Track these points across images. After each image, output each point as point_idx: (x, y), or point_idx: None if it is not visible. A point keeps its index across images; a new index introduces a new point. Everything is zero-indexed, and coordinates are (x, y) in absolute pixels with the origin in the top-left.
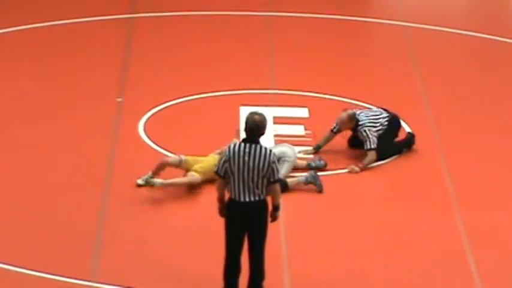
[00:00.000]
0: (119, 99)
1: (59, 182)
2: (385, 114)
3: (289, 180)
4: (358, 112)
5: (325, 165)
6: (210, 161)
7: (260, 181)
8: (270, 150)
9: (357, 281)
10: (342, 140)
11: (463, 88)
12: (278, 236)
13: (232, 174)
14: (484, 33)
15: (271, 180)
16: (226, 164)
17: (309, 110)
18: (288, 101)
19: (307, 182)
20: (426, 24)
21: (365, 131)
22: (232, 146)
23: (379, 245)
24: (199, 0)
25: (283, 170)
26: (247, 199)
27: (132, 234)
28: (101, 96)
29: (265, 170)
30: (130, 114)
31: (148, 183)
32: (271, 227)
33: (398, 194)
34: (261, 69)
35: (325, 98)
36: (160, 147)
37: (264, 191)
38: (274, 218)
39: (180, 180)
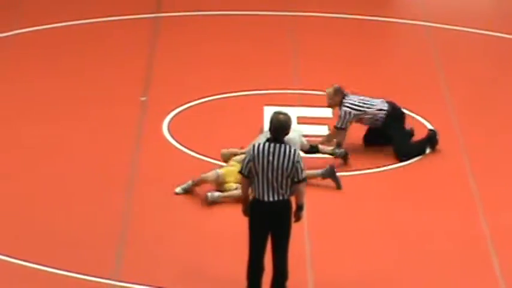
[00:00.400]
0: (143, 99)
1: (82, 181)
2: (380, 107)
3: (321, 147)
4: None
5: (346, 153)
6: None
7: (284, 181)
8: (295, 150)
9: (380, 280)
10: (358, 139)
11: (486, 88)
12: (302, 235)
13: (257, 173)
14: (507, 33)
15: (296, 180)
16: (251, 164)
17: (332, 110)
18: (312, 101)
19: (323, 176)
20: (449, 24)
21: (344, 110)
22: (256, 145)
23: (402, 245)
24: (223, 0)
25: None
26: (271, 199)
27: (155, 233)
28: (125, 95)
29: (289, 170)
30: (155, 113)
31: (212, 199)
32: (294, 227)
33: (421, 194)
34: (284, 69)
35: None
36: (184, 146)
37: (288, 190)
38: (298, 218)
39: (235, 192)
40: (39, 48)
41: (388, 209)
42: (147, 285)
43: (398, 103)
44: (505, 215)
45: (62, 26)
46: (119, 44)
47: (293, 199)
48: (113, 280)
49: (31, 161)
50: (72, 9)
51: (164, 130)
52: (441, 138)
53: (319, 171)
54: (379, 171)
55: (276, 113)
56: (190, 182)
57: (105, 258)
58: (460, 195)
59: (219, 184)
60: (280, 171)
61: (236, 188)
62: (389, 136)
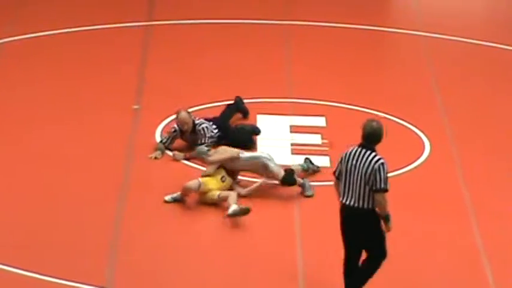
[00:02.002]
0: (135, 107)
1: (75, 189)
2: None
3: (293, 167)
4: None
5: (317, 167)
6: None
7: (363, 187)
8: (379, 159)
9: None
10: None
11: (481, 98)
12: (294, 243)
13: (341, 175)
14: (503, 44)
15: (374, 188)
16: (340, 165)
17: (326, 119)
18: (305, 110)
19: (302, 185)
20: (445, 34)
21: (203, 128)
22: (350, 149)
23: (393, 254)
24: (217, 9)
25: (275, 169)
26: (351, 203)
27: (146, 241)
28: (118, 103)
29: (367, 177)
30: (147, 121)
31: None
32: (286, 234)
33: (414, 203)
34: (278, 77)
35: (342, 107)
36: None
37: (366, 199)
38: (387, 229)
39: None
40: (31, 56)
41: None
42: None
43: (392, 112)
44: (498, 224)
45: (53, 34)
46: (112, 52)
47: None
48: None
49: (22, 167)
50: (63, 17)
51: (157, 138)
52: (435, 148)
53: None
54: None
55: (369, 121)
56: (179, 193)
57: (96, 265)
58: (453, 204)
59: (202, 193)
60: (359, 177)
61: (219, 195)
62: None
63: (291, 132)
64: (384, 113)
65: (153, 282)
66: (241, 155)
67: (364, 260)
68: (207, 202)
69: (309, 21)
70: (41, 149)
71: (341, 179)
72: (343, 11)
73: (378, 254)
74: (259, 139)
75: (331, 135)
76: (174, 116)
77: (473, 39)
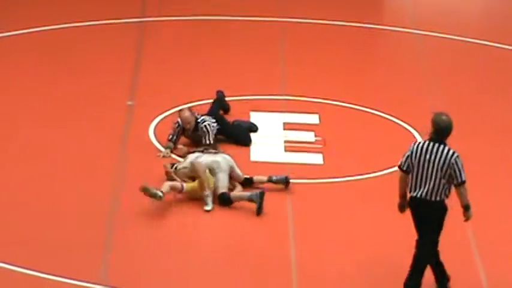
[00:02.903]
0: (129, 103)
1: (68, 185)
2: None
3: (232, 194)
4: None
5: (287, 179)
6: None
7: (438, 181)
8: (453, 152)
9: (365, 285)
10: (350, 147)
11: (475, 97)
12: (287, 240)
13: (412, 169)
14: (497, 42)
15: (455, 182)
16: (409, 159)
17: (319, 116)
18: (299, 107)
19: (250, 199)
20: (439, 33)
21: (206, 126)
22: (418, 142)
23: (385, 252)
24: (211, 6)
25: (220, 183)
26: (423, 196)
27: (140, 238)
28: (112, 99)
29: (444, 171)
30: (141, 118)
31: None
32: (279, 234)
33: None
34: (272, 75)
35: (335, 105)
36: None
37: (440, 192)
38: (467, 218)
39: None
40: (25, 52)
41: (373, 216)
42: None
43: (385, 110)
44: (490, 222)
45: (47, 30)
46: (106, 49)
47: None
48: (99, 284)
49: (16, 163)
50: (55, 13)
51: (150, 134)
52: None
53: (246, 194)
54: (366, 178)
55: (438, 114)
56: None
57: (90, 262)
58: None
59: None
60: (435, 171)
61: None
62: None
63: (284, 129)
64: (377, 110)
65: (148, 279)
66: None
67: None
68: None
69: (303, 18)
70: (34, 145)
71: (411, 173)
72: (338, 8)
73: (430, 240)
74: (253, 136)
75: (325, 133)
76: (168, 112)
77: (467, 37)
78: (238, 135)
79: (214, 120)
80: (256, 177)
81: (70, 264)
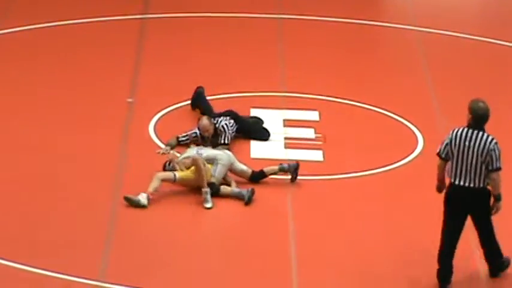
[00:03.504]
0: (129, 100)
1: (68, 182)
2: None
3: (223, 187)
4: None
5: (298, 164)
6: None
7: (478, 167)
8: (492, 138)
9: (366, 281)
10: (350, 143)
11: (474, 93)
12: (287, 237)
13: (453, 157)
14: (495, 39)
15: (490, 168)
16: (448, 147)
17: (319, 113)
18: (299, 104)
19: (239, 196)
20: (438, 29)
21: (223, 126)
22: (456, 129)
23: (388, 247)
24: (210, 2)
25: (216, 173)
26: (466, 184)
27: (141, 234)
28: (112, 96)
29: (483, 156)
30: (141, 114)
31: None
32: (280, 229)
33: (408, 198)
34: (271, 71)
35: (335, 102)
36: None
37: (482, 178)
38: (496, 209)
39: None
40: (25, 48)
41: (373, 212)
42: (132, 287)
43: (385, 107)
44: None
45: (48, 27)
46: (106, 45)
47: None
48: (99, 281)
49: (15, 159)
50: (58, 10)
51: (151, 131)
52: (429, 144)
53: (236, 190)
54: (366, 175)
55: (476, 101)
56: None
57: (91, 259)
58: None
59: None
60: (475, 157)
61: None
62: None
63: (284, 126)
64: (377, 107)
65: (147, 276)
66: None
67: (484, 239)
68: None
69: (302, 15)
70: (34, 142)
71: (450, 161)
72: (337, 5)
73: (491, 228)
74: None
75: (325, 130)
76: (168, 109)
77: (466, 33)
78: (255, 131)
79: (229, 119)
80: (266, 169)
81: (70, 261)
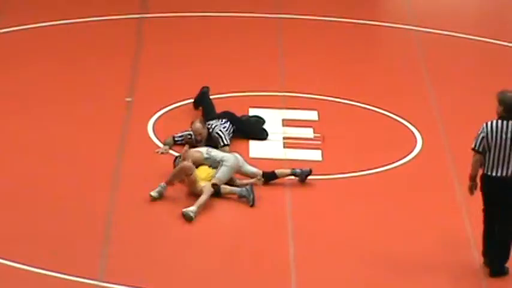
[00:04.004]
0: (128, 99)
1: (67, 181)
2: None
3: (223, 187)
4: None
5: (311, 171)
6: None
7: None
8: None
9: (365, 283)
10: (349, 143)
11: (472, 93)
12: (286, 237)
13: (489, 149)
14: (494, 39)
15: None
16: (484, 140)
17: (318, 112)
18: (298, 104)
19: (240, 195)
20: (437, 29)
21: (217, 132)
22: (489, 123)
23: (388, 248)
24: (209, 1)
25: (220, 174)
26: (502, 174)
27: (139, 233)
28: (111, 95)
29: None
30: (140, 114)
31: (186, 215)
32: (279, 229)
33: (406, 197)
34: (270, 71)
35: (334, 101)
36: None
37: None
38: None
39: (204, 198)
40: (24, 48)
41: (372, 212)
42: (131, 286)
43: (384, 107)
44: None
45: (47, 26)
46: (105, 45)
47: None
48: (97, 280)
49: (14, 159)
50: (57, 8)
51: (149, 131)
52: (426, 142)
53: (237, 189)
54: (365, 175)
55: (504, 92)
56: (163, 185)
57: (89, 258)
58: (445, 198)
59: (192, 182)
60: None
61: (201, 190)
62: None
63: (283, 126)
64: (376, 107)
65: (146, 276)
66: (205, 155)
67: (502, 232)
68: (194, 192)
69: (301, 14)
70: (33, 140)
71: (487, 153)
72: (336, 4)
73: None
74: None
75: (323, 129)
76: (167, 109)
77: (464, 33)
78: (253, 130)
79: (223, 122)
80: (278, 171)
81: (69, 261)
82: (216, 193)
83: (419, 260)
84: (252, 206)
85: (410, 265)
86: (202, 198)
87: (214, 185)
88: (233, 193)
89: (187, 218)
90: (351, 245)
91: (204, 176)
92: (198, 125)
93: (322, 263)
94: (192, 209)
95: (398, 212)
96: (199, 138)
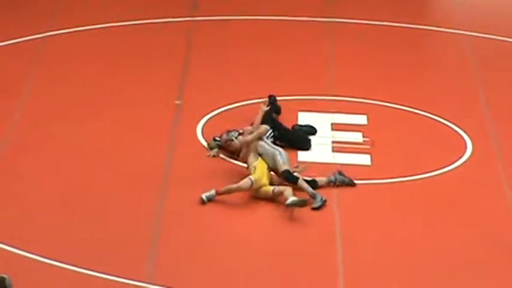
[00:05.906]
0: (177, 102)
1: (116, 183)
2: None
3: (300, 180)
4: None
5: (345, 182)
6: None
7: None
8: None
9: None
10: (398, 148)
11: None
12: (334, 243)
13: None
14: None
15: None
16: None
17: (367, 117)
18: (347, 108)
19: (312, 196)
20: (488, 34)
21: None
22: None
23: (435, 255)
24: (260, 5)
25: (284, 160)
26: None
27: (187, 237)
28: (160, 98)
29: None
30: (189, 117)
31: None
32: (326, 235)
33: (456, 203)
34: (320, 75)
35: (384, 106)
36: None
37: None
38: None
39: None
40: (75, 50)
41: (422, 217)
42: None
43: (434, 111)
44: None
45: (98, 28)
46: (155, 47)
47: None
48: (145, 282)
49: (65, 161)
50: (109, 11)
51: (198, 133)
52: (478, 150)
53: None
54: (414, 180)
55: None
56: (213, 192)
57: (137, 260)
58: (496, 204)
59: (255, 190)
60: None
61: (273, 191)
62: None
63: (332, 130)
64: (425, 111)
65: (193, 278)
66: (260, 142)
67: None
68: (259, 197)
69: (351, 19)
70: (83, 143)
71: None
72: (386, 9)
73: None
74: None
75: (373, 134)
76: (216, 112)
77: None
78: (296, 139)
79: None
80: (319, 179)
81: (117, 262)
82: (292, 178)
83: (469, 268)
84: (314, 208)
85: (461, 273)
86: (234, 186)
87: (285, 171)
88: (307, 191)
89: (301, 204)
90: (399, 252)
91: (265, 180)
92: (223, 139)
93: (370, 269)
94: (293, 198)
95: (447, 218)
96: (231, 149)
